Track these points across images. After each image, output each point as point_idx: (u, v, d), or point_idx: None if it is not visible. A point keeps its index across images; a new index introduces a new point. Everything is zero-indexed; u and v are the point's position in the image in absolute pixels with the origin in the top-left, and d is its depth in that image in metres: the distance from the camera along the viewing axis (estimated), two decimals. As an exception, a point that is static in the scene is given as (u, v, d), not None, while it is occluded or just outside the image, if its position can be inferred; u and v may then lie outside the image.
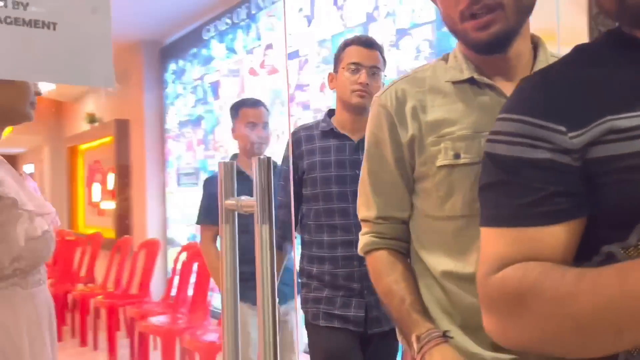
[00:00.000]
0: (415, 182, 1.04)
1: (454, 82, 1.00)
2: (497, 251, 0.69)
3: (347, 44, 1.78)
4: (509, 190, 0.69)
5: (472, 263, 0.93)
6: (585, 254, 0.68)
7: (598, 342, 0.61)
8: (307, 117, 3.12)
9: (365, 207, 1.10)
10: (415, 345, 0.94)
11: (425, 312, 0.99)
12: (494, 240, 0.70)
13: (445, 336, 0.94)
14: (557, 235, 0.66)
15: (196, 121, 4.61)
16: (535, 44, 0.99)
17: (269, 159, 0.76)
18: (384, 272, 1.06)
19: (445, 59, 1.05)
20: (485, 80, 0.97)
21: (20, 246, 1.11)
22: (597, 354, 0.63)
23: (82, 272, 5.30)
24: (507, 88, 0.93)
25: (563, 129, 0.65)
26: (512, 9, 0.89)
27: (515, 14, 0.90)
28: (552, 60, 0.91)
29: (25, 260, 1.13)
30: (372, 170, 1.09)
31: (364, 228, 1.11)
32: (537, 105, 0.69)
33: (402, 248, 1.08)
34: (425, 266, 1.02)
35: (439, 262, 0.99)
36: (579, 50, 0.75)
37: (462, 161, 0.95)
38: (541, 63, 0.96)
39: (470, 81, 0.98)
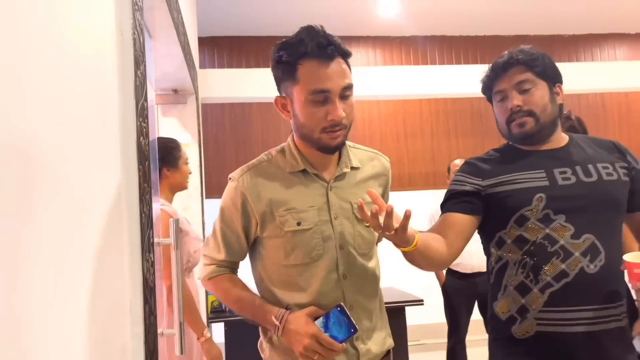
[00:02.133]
0: (263, 239, 1.41)
1: (291, 172, 1.39)
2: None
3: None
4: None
5: (309, 297, 1.36)
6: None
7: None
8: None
9: (214, 251, 1.46)
10: (275, 322, 1.33)
11: (273, 305, 1.38)
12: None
13: (289, 308, 1.36)
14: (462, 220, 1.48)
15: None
16: (345, 146, 1.47)
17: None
18: (230, 286, 1.45)
19: (283, 152, 1.43)
20: (314, 170, 1.40)
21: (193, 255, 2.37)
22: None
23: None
24: (326, 175, 1.40)
25: (479, 178, 1.49)
26: (350, 126, 1.37)
27: (349, 129, 1.37)
28: (351, 155, 1.46)
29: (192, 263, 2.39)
30: (224, 229, 1.44)
31: (210, 264, 1.48)
32: (469, 169, 1.54)
33: (235, 272, 1.50)
34: (276, 299, 1.40)
35: (288, 294, 1.39)
36: (494, 149, 1.57)
37: (302, 227, 1.36)
38: (344, 164, 1.43)
39: (304, 171, 1.39)
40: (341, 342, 1.30)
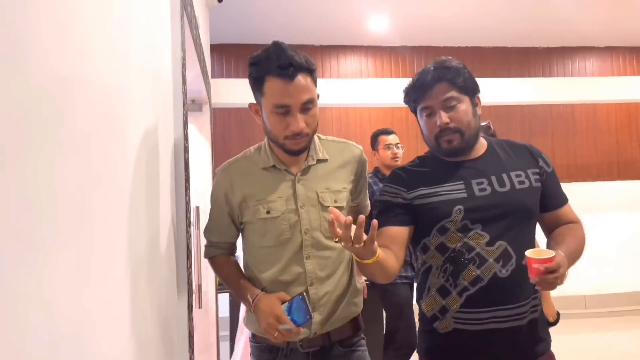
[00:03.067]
0: (245, 224, 1.64)
1: (263, 168, 1.60)
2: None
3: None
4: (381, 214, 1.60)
5: (277, 272, 1.57)
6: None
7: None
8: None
9: (210, 234, 1.70)
10: (250, 299, 1.54)
11: (252, 286, 1.59)
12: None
13: (263, 291, 1.56)
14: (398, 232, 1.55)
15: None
16: (314, 141, 1.64)
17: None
18: (224, 266, 1.69)
19: (259, 150, 1.65)
20: (283, 166, 1.60)
21: None
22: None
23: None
24: (294, 169, 1.59)
25: (405, 189, 1.57)
26: (314, 132, 1.56)
27: (313, 134, 1.56)
28: (318, 148, 1.63)
29: None
30: (215, 215, 1.67)
31: (208, 245, 1.72)
32: (395, 179, 1.61)
33: (232, 255, 1.72)
34: (253, 274, 1.63)
35: (261, 270, 1.60)
36: (419, 157, 1.66)
37: (271, 215, 1.57)
38: (312, 158, 1.61)
39: (273, 167, 1.60)
40: (299, 325, 1.47)
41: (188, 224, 1.87)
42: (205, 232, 1.72)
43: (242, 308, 2.76)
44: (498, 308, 1.46)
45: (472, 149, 1.57)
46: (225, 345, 3.74)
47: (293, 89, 1.45)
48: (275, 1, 4.55)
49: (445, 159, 1.59)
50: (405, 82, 1.64)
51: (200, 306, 2.36)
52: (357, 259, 1.41)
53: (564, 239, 1.52)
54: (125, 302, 1.04)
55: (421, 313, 1.61)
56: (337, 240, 1.31)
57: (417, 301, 1.63)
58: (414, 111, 1.62)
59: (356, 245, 1.30)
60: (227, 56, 5.51)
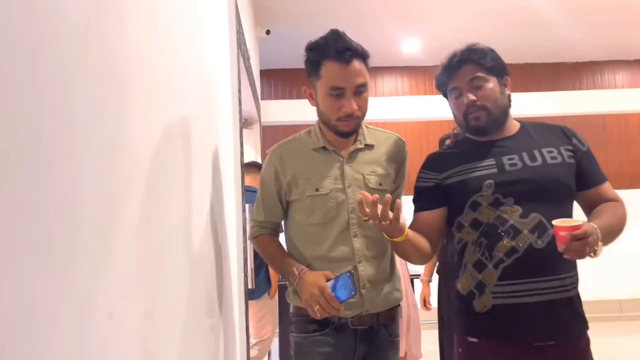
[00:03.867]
0: (292, 204, 1.67)
1: (313, 149, 1.66)
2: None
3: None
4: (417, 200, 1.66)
5: (326, 249, 1.60)
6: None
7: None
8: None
9: (257, 214, 1.75)
10: (295, 272, 1.57)
11: (298, 262, 1.62)
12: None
13: (309, 268, 1.59)
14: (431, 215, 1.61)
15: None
16: (362, 128, 1.70)
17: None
18: (269, 245, 1.72)
19: (309, 133, 1.70)
20: (332, 147, 1.65)
21: None
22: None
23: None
24: (343, 152, 1.65)
25: (437, 173, 1.61)
26: (364, 116, 1.61)
27: (363, 118, 1.62)
28: (366, 134, 1.68)
29: None
30: (263, 194, 1.71)
31: (254, 225, 1.76)
32: (428, 164, 1.65)
33: (276, 235, 1.76)
34: (299, 252, 1.65)
35: (308, 249, 1.63)
36: (454, 142, 1.73)
37: (319, 193, 1.61)
38: (360, 141, 1.67)
39: (323, 148, 1.65)
40: (342, 302, 1.48)
41: (245, 221, 2.35)
42: (252, 213, 1.78)
43: None
44: (535, 280, 1.44)
45: (502, 127, 1.60)
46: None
47: (348, 73, 1.54)
48: (315, 30, 4.98)
49: (477, 139, 1.63)
50: (438, 98, 1.76)
51: (253, 285, 2.77)
52: (387, 237, 1.49)
53: (600, 214, 1.50)
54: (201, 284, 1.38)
55: (456, 293, 1.59)
56: (366, 218, 1.40)
57: (454, 281, 1.60)
58: (445, 95, 1.67)
59: (383, 223, 1.39)
60: (275, 80, 6.08)
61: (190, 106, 1.33)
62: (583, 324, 1.52)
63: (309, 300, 1.50)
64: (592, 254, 1.37)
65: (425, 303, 3.22)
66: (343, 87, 1.54)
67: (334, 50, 1.53)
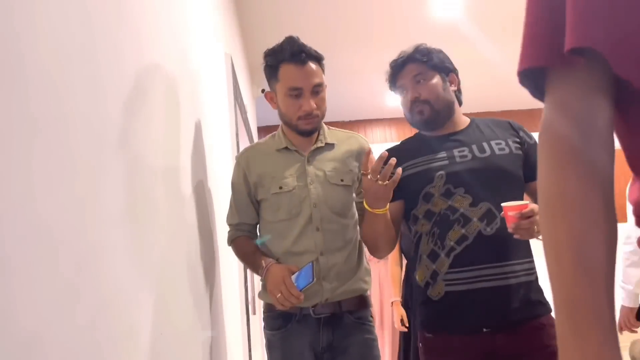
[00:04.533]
0: (260, 204, 1.73)
1: (277, 150, 1.73)
2: None
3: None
4: None
5: (290, 244, 1.66)
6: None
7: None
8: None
9: (231, 218, 1.79)
10: (263, 265, 1.62)
11: (267, 257, 1.67)
12: None
13: (276, 261, 1.65)
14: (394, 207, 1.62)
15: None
16: (320, 127, 1.76)
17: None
18: (243, 245, 1.77)
19: (273, 136, 1.77)
20: (294, 147, 1.72)
21: None
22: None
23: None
24: (304, 151, 1.70)
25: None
26: (323, 115, 1.69)
27: (322, 118, 1.69)
28: (327, 134, 1.74)
29: None
30: (235, 198, 1.77)
31: (230, 229, 1.80)
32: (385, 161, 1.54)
33: (252, 236, 1.80)
34: (267, 249, 1.72)
35: (275, 244, 1.70)
36: (407, 139, 1.75)
37: (283, 190, 1.67)
38: (320, 140, 1.72)
39: (286, 148, 1.72)
40: (301, 289, 1.53)
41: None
42: (227, 219, 1.82)
43: None
44: (485, 266, 1.48)
45: (448, 121, 1.67)
46: None
47: (305, 73, 1.62)
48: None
49: (428, 134, 1.69)
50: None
51: (254, 313, 3.04)
52: (368, 207, 1.56)
53: None
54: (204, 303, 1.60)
55: (416, 286, 1.64)
56: (365, 172, 1.49)
57: (412, 273, 1.66)
58: (396, 93, 1.75)
59: (379, 182, 1.47)
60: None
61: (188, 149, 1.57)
62: (543, 305, 1.53)
63: (272, 290, 1.56)
64: (540, 236, 1.37)
65: (403, 322, 3.05)
66: (300, 87, 1.63)
67: (289, 53, 1.62)
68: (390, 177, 1.49)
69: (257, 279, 3.13)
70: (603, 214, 0.58)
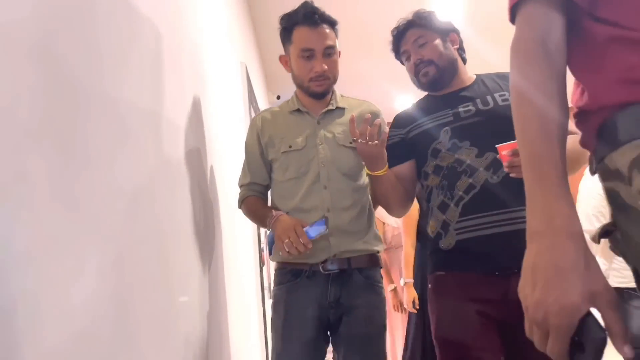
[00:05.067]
0: (272, 165, 1.74)
1: (289, 112, 1.77)
2: None
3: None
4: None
5: (299, 201, 1.67)
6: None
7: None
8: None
9: (243, 178, 1.80)
10: (273, 214, 1.64)
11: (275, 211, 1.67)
12: None
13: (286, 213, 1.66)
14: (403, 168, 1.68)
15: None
16: (333, 92, 1.79)
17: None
18: (254, 203, 1.78)
19: (287, 101, 1.81)
20: (306, 110, 1.75)
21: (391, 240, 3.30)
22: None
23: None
24: (316, 113, 1.74)
25: (402, 128, 1.70)
26: (334, 79, 1.72)
27: (334, 81, 1.72)
28: (339, 99, 1.78)
29: (393, 244, 3.17)
30: (248, 158, 1.78)
31: (241, 190, 1.80)
32: (394, 124, 1.73)
33: (263, 197, 1.80)
34: (276, 207, 1.72)
35: (283, 202, 1.71)
36: (416, 102, 1.77)
37: (292, 149, 1.69)
38: (332, 104, 1.75)
39: (298, 110, 1.75)
40: (311, 238, 1.53)
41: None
42: (239, 181, 1.83)
43: None
44: (494, 212, 1.49)
45: (455, 79, 1.69)
46: None
47: (317, 35, 1.65)
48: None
49: (435, 94, 1.71)
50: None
51: (270, 297, 3.24)
52: (369, 172, 1.62)
53: None
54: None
55: (428, 238, 1.66)
56: (354, 139, 1.53)
57: (425, 227, 1.69)
58: (403, 63, 1.78)
59: (370, 143, 1.51)
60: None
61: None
62: None
63: (281, 234, 1.56)
64: None
65: (415, 305, 2.96)
66: (312, 48, 1.66)
67: (302, 15, 1.66)
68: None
69: (272, 264, 3.13)
70: (557, 94, 0.75)
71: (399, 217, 1.94)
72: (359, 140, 1.55)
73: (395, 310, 3.26)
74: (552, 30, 0.77)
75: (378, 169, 1.62)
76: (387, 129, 1.73)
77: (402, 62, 1.78)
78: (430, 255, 1.64)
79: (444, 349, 1.54)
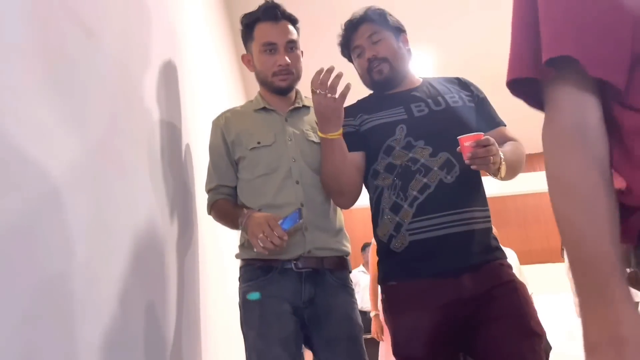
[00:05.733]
0: (238, 164, 1.70)
1: (254, 110, 1.75)
2: None
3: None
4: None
5: (271, 197, 1.63)
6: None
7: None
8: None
9: (209, 182, 1.76)
10: (244, 213, 1.58)
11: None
12: None
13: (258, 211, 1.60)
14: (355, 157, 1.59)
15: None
16: (297, 92, 1.82)
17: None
18: (223, 206, 1.72)
19: (251, 101, 1.80)
20: (272, 107, 1.75)
21: None
22: None
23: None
24: (282, 111, 1.74)
25: (352, 118, 1.61)
26: (298, 75, 1.72)
27: (298, 77, 1.73)
28: (304, 99, 1.78)
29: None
30: (213, 160, 1.74)
31: (209, 195, 1.76)
32: (345, 114, 1.55)
33: (232, 199, 1.74)
34: (247, 207, 1.65)
35: (254, 201, 1.66)
36: (362, 98, 1.70)
37: (261, 145, 1.67)
38: (298, 102, 1.76)
39: (264, 109, 1.75)
40: (286, 230, 1.48)
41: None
42: (205, 185, 1.78)
43: None
44: (448, 213, 1.48)
45: (405, 79, 1.68)
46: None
47: (279, 29, 1.68)
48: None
49: (384, 94, 1.68)
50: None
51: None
52: (321, 134, 1.55)
53: (503, 148, 1.53)
54: None
55: (378, 243, 1.60)
56: (314, 89, 1.48)
57: (374, 231, 1.62)
58: (349, 59, 1.75)
59: (329, 95, 1.47)
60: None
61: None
62: (495, 252, 1.53)
63: (254, 230, 1.50)
64: (495, 171, 1.45)
65: (378, 336, 3.43)
66: (275, 42, 1.67)
67: (263, 11, 1.69)
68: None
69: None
70: (602, 184, 0.68)
71: (345, 206, 1.73)
72: (318, 91, 1.48)
73: (374, 335, 3.55)
74: (588, 114, 0.72)
75: (331, 130, 1.53)
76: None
77: (348, 58, 1.75)
78: (382, 262, 1.59)
79: None
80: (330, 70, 1.47)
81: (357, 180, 1.63)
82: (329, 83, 1.46)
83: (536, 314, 1.46)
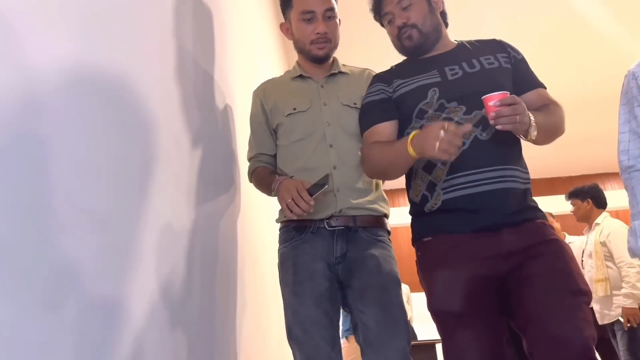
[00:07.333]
0: (277, 132, 1.76)
1: (292, 78, 1.80)
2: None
3: None
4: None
5: (304, 160, 1.67)
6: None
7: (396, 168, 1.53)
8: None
9: (250, 151, 1.82)
10: (277, 178, 1.63)
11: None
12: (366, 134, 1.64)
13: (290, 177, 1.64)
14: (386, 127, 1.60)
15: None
16: (334, 59, 1.83)
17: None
18: (262, 173, 1.76)
19: (289, 71, 1.84)
20: (308, 75, 1.78)
21: None
22: (398, 174, 1.56)
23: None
24: (319, 78, 1.77)
25: (386, 84, 1.63)
26: (335, 43, 1.75)
27: (335, 46, 1.75)
28: (342, 65, 1.81)
29: None
30: (253, 129, 1.81)
31: (250, 164, 1.82)
32: (376, 80, 1.68)
33: (271, 167, 1.79)
34: (282, 172, 1.72)
35: (289, 165, 1.71)
36: (396, 64, 1.72)
37: (297, 111, 1.71)
38: (335, 68, 1.78)
39: (300, 76, 1.79)
40: (312, 196, 1.52)
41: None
42: (247, 154, 1.85)
43: None
44: (483, 169, 1.44)
45: (438, 44, 1.66)
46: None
47: None
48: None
49: (418, 58, 1.67)
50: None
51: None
52: (411, 148, 1.42)
53: (537, 111, 1.50)
54: None
55: (412, 204, 1.60)
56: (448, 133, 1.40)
57: (408, 193, 1.62)
58: (382, 24, 1.74)
59: (456, 142, 1.35)
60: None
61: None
62: (535, 211, 1.50)
63: (284, 194, 1.55)
64: (525, 133, 1.41)
65: None
66: (313, 10, 1.70)
67: None
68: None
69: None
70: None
71: (373, 178, 1.73)
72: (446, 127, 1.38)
73: None
74: None
75: (417, 150, 1.43)
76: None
77: (381, 23, 1.74)
78: (414, 221, 1.59)
79: (438, 320, 1.49)
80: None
81: (399, 176, 1.61)
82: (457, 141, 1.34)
83: (582, 273, 1.42)
